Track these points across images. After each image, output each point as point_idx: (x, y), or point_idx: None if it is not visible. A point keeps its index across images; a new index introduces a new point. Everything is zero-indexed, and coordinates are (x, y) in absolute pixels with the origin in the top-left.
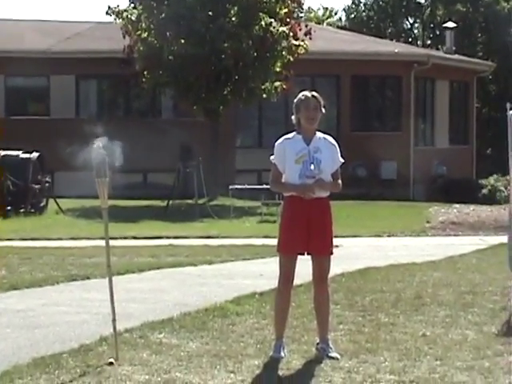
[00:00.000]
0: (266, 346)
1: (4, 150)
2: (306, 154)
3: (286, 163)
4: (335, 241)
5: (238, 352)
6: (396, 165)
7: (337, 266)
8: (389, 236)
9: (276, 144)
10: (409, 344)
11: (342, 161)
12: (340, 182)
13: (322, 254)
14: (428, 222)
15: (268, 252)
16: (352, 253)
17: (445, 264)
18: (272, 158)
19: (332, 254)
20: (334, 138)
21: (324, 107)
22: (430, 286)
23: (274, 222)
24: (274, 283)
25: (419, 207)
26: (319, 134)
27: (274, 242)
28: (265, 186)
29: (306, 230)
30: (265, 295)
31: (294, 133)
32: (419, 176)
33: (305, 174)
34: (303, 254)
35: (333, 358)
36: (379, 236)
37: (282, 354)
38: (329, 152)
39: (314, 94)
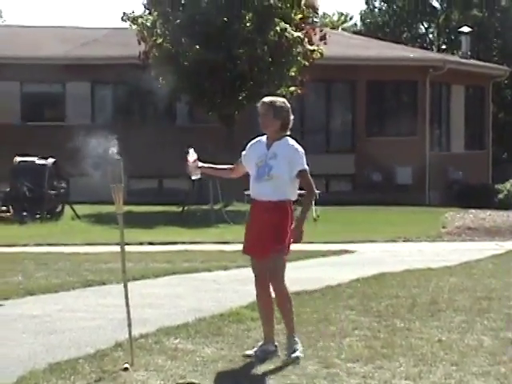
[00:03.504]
0: (281, 352)
1: (20, 155)
2: (263, 160)
3: (250, 165)
4: (350, 246)
5: (253, 357)
6: (411, 170)
7: (352, 272)
8: (404, 241)
9: (250, 143)
10: (424, 349)
11: (304, 167)
12: (311, 187)
13: (263, 253)
14: (444, 227)
15: None
16: (367, 258)
17: (461, 269)
18: (243, 153)
19: (281, 252)
20: (348, 142)
21: (282, 113)
22: (446, 291)
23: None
24: (289, 288)
25: (435, 212)
26: (283, 140)
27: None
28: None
29: (257, 234)
30: None
31: (265, 136)
32: (435, 181)
33: (258, 178)
34: (262, 258)
35: (297, 357)
36: (394, 241)
37: (251, 352)
38: (285, 158)
39: (265, 100)
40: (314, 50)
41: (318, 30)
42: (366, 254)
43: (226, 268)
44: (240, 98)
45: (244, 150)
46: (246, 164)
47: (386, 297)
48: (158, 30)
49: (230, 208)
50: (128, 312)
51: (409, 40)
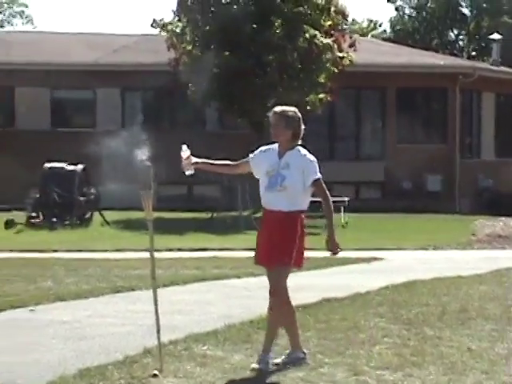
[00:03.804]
0: (311, 359)
1: (50, 162)
2: (275, 169)
3: (259, 172)
4: (379, 253)
5: (283, 365)
6: (441, 177)
7: (381, 279)
8: (434, 249)
9: (261, 148)
10: (454, 358)
11: (318, 176)
12: (326, 195)
13: (268, 265)
14: (474, 234)
15: (313, 265)
16: (397, 265)
17: (491, 277)
18: (251, 155)
19: (288, 265)
20: (378, 149)
21: (293, 123)
22: (476, 299)
23: (319, 234)
24: (318, 296)
25: (465, 220)
26: (295, 150)
27: (318, 254)
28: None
29: (268, 243)
30: (309, 307)
31: (277, 144)
32: (465, 189)
33: (270, 188)
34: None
35: (301, 364)
36: (424, 249)
37: (279, 360)
38: (298, 168)
39: (276, 109)
40: (343, 57)
41: (347, 36)
42: (395, 261)
43: (255, 275)
44: (269, 104)
45: (254, 151)
46: (255, 168)
47: (416, 304)
48: (188, 37)
49: (259, 214)
50: (157, 318)
51: (439, 47)
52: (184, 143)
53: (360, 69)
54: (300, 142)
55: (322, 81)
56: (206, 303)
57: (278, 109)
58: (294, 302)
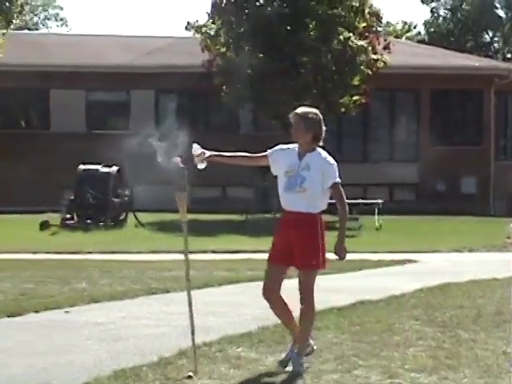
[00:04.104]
0: (345, 361)
1: (85, 164)
2: (295, 170)
3: (278, 170)
4: (413, 256)
5: (317, 367)
6: (476, 179)
7: (416, 282)
8: (469, 251)
9: (281, 145)
10: (490, 361)
11: (338, 180)
12: (343, 199)
13: (302, 267)
14: (509, 237)
15: (347, 267)
16: (431, 268)
17: None
18: (269, 150)
19: (316, 268)
20: (413, 151)
21: (313, 125)
22: None
23: (353, 236)
24: (353, 298)
25: (500, 222)
26: (316, 152)
27: (353, 256)
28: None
29: (287, 244)
30: (343, 310)
31: (296, 144)
32: (500, 191)
33: (289, 189)
34: (287, 266)
35: (300, 370)
36: (459, 251)
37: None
38: (318, 171)
39: (297, 111)
40: (377, 59)
41: (381, 38)
42: (429, 263)
43: (289, 277)
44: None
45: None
46: (273, 164)
47: (451, 307)
48: (222, 39)
49: None
50: (192, 320)
51: (473, 49)
52: (194, 142)
53: (394, 71)
54: (321, 144)
55: (356, 83)
56: (239, 305)
57: (299, 110)
58: (327, 304)
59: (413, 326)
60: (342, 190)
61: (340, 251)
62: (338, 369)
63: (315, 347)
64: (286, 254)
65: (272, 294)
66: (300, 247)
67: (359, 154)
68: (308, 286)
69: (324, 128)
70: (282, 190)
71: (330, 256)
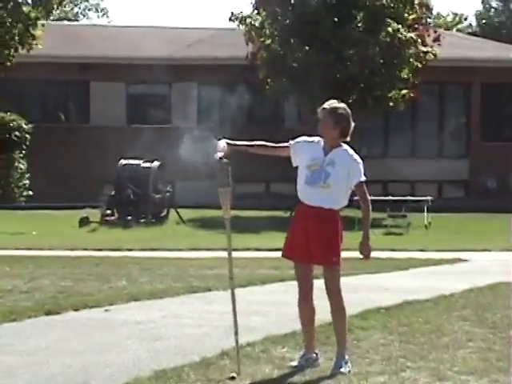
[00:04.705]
0: (393, 363)
1: (125, 159)
2: (319, 164)
3: (299, 162)
4: (463, 255)
5: (364, 368)
6: None
7: (465, 281)
8: None
9: (305, 137)
10: None
11: (363, 179)
12: (367, 198)
13: (322, 264)
14: None
15: (394, 266)
16: (481, 267)
17: None
18: (292, 141)
19: (337, 265)
20: (462, 147)
21: (342, 121)
22: None
23: (401, 234)
24: (400, 298)
25: None
26: (342, 148)
27: (400, 255)
28: (391, 198)
29: (304, 239)
30: (391, 310)
31: (320, 138)
32: None
33: (312, 183)
34: (307, 263)
35: (342, 373)
36: (510, 250)
37: (295, 363)
38: (344, 167)
39: (326, 106)
40: (427, 52)
41: (431, 30)
42: (479, 262)
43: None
44: (350, 100)
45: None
46: (295, 155)
47: (502, 307)
48: (267, 31)
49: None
50: (235, 319)
51: None
52: (220, 138)
53: (444, 63)
54: (348, 139)
55: (405, 76)
56: (283, 304)
57: (327, 105)
58: (374, 304)
59: (462, 327)
60: (366, 189)
61: (365, 250)
62: (385, 370)
63: (319, 360)
64: (304, 249)
65: (306, 294)
66: (320, 243)
67: (407, 150)
68: (334, 285)
69: (352, 124)
70: (302, 183)
71: (355, 255)
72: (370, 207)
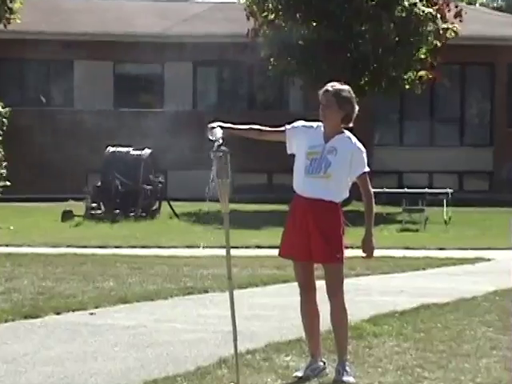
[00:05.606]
0: (408, 373)
1: (112, 146)
2: (319, 152)
3: (296, 149)
4: (486, 253)
5: (376, 378)
6: None
7: (488, 283)
8: None
9: (302, 121)
10: None
11: (367, 169)
12: (370, 190)
13: (325, 261)
14: None
15: (410, 265)
16: (506, 267)
17: None
18: (288, 126)
19: (340, 262)
20: (486, 134)
21: (346, 105)
22: None
23: (417, 230)
24: (416, 301)
25: None
26: (345, 135)
27: (417, 253)
28: (406, 190)
29: (303, 235)
30: (406, 314)
31: (320, 123)
32: None
33: (311, 173)
34: (308, 261)
35: (345, 382)
36: None
37: (300, 373)
38: (346, 156)
39: (329, 88)
40: (447, 29)
41: (452, 5)
42: (504, 262)
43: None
44: (362, 82)
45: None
46: (290, 141)
47: None
48: (270, 5)
49: (348, 208)
50: (234, 324)
51: None
52: (212, 121)
53: (466, 42)
54: (351, 125)
55: (422, 56)
56: (287, 308)
57: (330, 87)
58: (388, 308)
59: (485, 334)
60: (369, 180)
61: (368, 248)
62: (399, 382)
63: (327, 369)
64: (304, 246)
65: (309, 296)
66: (321, 238)
67: (424, 138)
68: (336, 284)
69: (357, 108)
70: (299, 174)
71: (357, 253)
72: (373, 201)
